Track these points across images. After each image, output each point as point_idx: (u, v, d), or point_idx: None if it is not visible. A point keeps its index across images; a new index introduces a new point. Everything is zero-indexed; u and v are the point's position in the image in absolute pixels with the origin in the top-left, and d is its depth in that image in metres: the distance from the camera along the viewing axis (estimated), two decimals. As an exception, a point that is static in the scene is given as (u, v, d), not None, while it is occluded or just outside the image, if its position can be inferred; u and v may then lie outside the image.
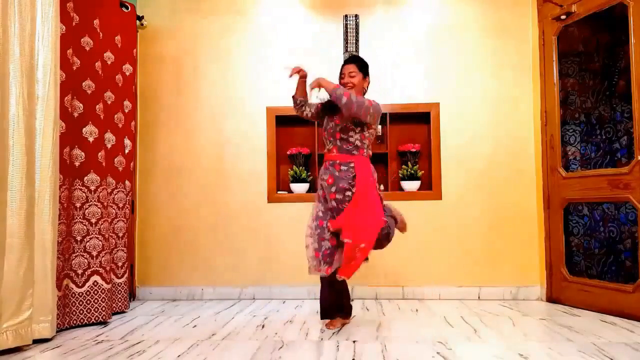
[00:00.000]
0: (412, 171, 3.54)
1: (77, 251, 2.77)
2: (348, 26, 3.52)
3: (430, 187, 3.60)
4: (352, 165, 2.54)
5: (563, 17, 3.26)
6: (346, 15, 3.53)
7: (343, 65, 2.69)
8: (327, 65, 3.65)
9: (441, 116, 3.58)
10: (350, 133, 2.56)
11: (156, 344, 2.38)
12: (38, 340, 2.38)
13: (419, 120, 3.67)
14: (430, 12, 3.65)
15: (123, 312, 3.12)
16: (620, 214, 3.10)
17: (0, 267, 2.08)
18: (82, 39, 2.85)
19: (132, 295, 3.56)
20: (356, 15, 3.53)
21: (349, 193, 2.51)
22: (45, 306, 2.40)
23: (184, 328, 2.70)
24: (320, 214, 2.60)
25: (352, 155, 2.57)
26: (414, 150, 3.56)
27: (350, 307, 2.76)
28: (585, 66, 3.38)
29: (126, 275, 3.16)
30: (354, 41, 3.52)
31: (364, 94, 2.68)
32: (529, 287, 3.47)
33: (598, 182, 3.02)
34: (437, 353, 2.17)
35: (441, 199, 3.55)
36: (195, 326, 2.75)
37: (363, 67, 2.66)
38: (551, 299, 3.35)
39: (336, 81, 2.67)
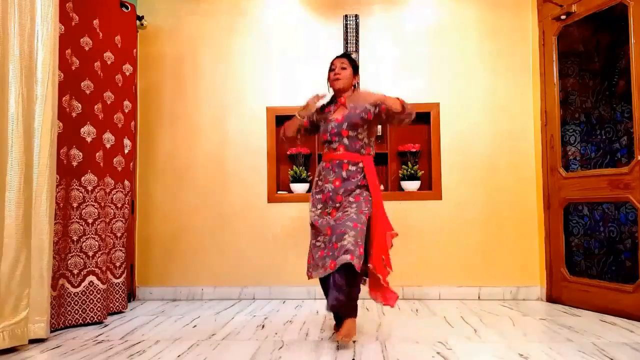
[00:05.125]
0: (412, 171, 3.54)
1: (74, 251, 2.76)
2: (348, 26, 3.52)
3: (430, 187, 3.60)
4: (361, 165, 2.44)
5: (563, 17, 3.26)
6: (346, 15, 3.53)
7: (335, 59, 2.59)
8: (326, 66, 3.66)
9: (441, 116, 3.58)
10: (359, 130, 2.45)
11: (156, 344, 2.37)
12: (33, 340, 2.37)
13: (419, 120, 3.65)
14: (430, 11, 3.65)
15: (121, 312, 3.11)
16: (620, 214, 3.10)
17: (-3, 267, 2.08)
18: (81, 39, 2.84)
19: (132, 295, 3.56)
20: (356, 15, 3.54)
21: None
22: (41, 306, 2.40)
23: (184, 328, 2.70)
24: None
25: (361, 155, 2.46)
26: (414, 150, 3.56)
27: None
28: (585, 66, 3.38)
29: (124, 275, 3.16)
30: (354, 41, 3.52)
31: (354, 88, 2.59)
32: (529, 287, 3.46)
33: (598, 182, 3.02)
34: (437, 353, 2.17)
35: (441, 199, 3.55)
36: (195, 326, 2.75)
37: (354, 62, 2.58)
38: (551, 299, 3.34)
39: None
